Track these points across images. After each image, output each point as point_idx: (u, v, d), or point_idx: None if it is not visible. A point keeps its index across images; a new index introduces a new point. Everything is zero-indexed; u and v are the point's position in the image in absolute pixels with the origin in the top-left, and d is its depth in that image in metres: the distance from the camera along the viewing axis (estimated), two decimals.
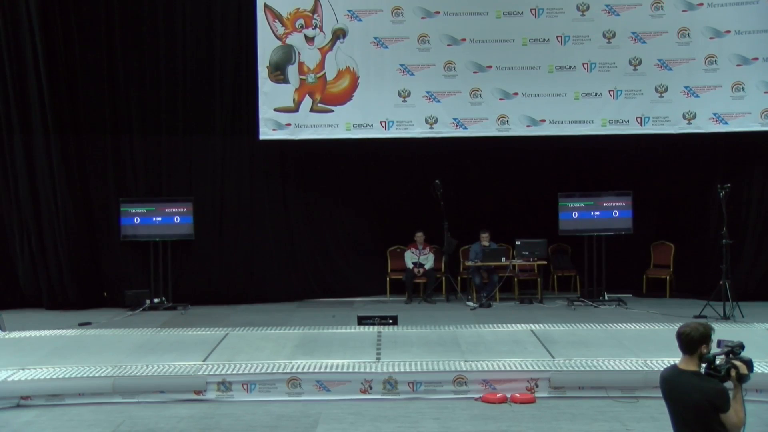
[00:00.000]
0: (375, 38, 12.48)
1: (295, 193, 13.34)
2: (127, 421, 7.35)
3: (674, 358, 8.22)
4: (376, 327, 10.02)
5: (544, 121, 12.48)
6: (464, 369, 8.11)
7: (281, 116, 12.49)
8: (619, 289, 12.72)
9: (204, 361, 8.57)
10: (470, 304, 12.48)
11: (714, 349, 4.66)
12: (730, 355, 4.58)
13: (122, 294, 12.46)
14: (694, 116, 12.32)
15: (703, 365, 4.62)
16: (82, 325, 10.99)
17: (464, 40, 12.44)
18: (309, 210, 13.46)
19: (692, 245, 12.99)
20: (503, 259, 12.67)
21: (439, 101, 12.48)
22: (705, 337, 4.64)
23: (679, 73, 12.32)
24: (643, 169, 13.19)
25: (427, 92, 12.48)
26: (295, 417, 7.43)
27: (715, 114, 12.29)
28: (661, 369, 7.81)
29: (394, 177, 13.58)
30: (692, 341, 4.64)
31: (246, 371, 8.15)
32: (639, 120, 12.42)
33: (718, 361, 4.58)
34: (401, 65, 12.47)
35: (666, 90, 12.36)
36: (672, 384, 4.68)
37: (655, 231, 13.41)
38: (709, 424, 4.51)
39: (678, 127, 12.37)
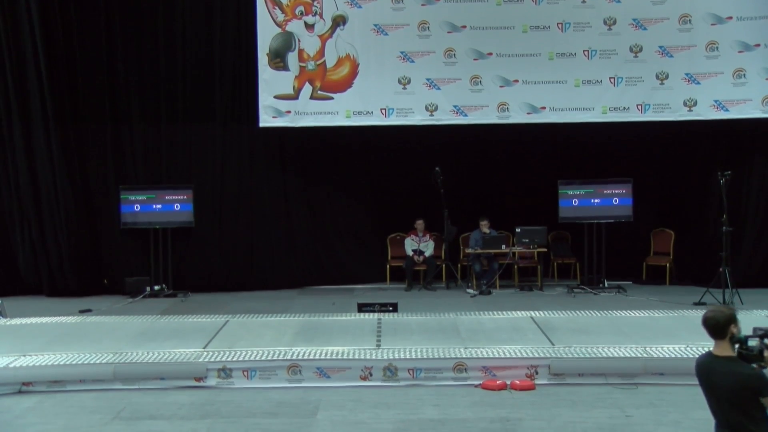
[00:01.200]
0: (375, 25, 12.43)
1: (295, 180, 13.33)
2: (128, 408, 7.37)
3: (674, 344, 8.28)
4: (376, 314, 10.01)
5: (544, 108, 12.44)
6: (464, 356, 8.11)
7: (281, 103, 12.46)
8: (619, 277, 12.72)
9: (204, 348, 8.59)
10: (470, 291, 12.49)
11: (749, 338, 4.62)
12: (765, 339, 4.55)
13: (123, 281, 12.48)
14: (695, 103, 12.29)
15: (736, 346, 4.58)
16: (82, 312, 10.99)
17: (464, 27, 12.40)
18: (309, 197, 13.46)
19: (692, 233, 12.99)
20: (503, 246, 12.67)
21: (439, 88, 12.44)
22: (731, 318, 4.60)
23: (680, 59, 12.29)
24: (644, 157, 13.17)
25: (427, 79, 12.45)
26: (295, 404, 7.44)
27: (716, 101, 12.25)
28: (660, 356, 7.87)
29: (394, 164, 13.56)
30: (719, 325, 4.60)
31: (246, 358, 8.16)
32: (639, 107, 12.39)
33: (750, 343, 4.55)
34: (401, 52, 12.43)
35: (667, 77, 12.32)
36: (707, 371, 4.64)
37: (655, 218, 13.41)
38: (747, 409, 4.47)
39: (679, 114, 12.35)
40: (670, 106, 12.35)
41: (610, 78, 12.40)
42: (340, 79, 12.52)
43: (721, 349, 4.61)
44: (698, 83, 12.27)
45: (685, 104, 12.33)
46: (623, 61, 12.37)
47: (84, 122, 12.69)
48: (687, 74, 12.28)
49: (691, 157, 12.97)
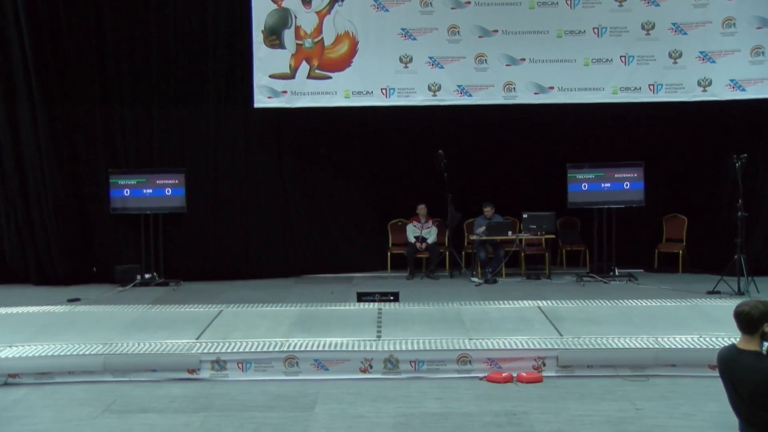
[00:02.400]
0: (375, 1, 12.39)
1: (291, 163, 13.32)
2: (119, 400, 7.38)
3: (687, 335, 8.28)
4: (376, 304, 10.00)
5: (552, 88, 12.41)
6: (468, 347, 8.11)
7: (277, 83, 12.43)
8: (630, 264, 12.75)
9: (197, 338, 8.58)
10: (475, 279, 12.49)
11: None
12: None
13: (112, 269, 12.50)
14: (710, 83, 12.25)
15: (765, 343, 4.57)
16: (71, 301, 11.01)
17: (469, 2, 12.36)
18: (306, 181, 13.46)
19: (706, 218, 12.99)
20: (509, 232, 12.67)
21: (442, 67, 12.40)
22: (765, 315, 4.60)
23: (695, 37, 12.23)
24: (656, 139, 13.15)
25: (430, 58, 12.41)
26: (292, 397, 7.45)
27: (732, 80, 12.21)
28: (672, 346, 7.88)
29: (395, 147, 13.56)
30: (752, 320, 4.58)
31: (241, 349, 8.16)
32: (651, 87, 12.35)
33: None
34: (403, 29, 12.39)
35: (680, 55, 12.27)
36: (731, 364, 4.62)
37: (667, 203, 13.42)
38: None
39: (692, 94, 12.30)
40: (683, 86, 12.31)
41: (620, 57, 12.36)
42: (338, 58, 12.48)
43: (746, 344, 4.60)
44: (713, 62, 12.22)
45: (699, 84, 12.28)
46: (635, 38, 12.32)
47: (72, 104, 12.66)
48: (701, 52, 12.24)
49: (706, 140, 12.95)
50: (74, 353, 8.18)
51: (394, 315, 9.46)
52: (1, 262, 12.74)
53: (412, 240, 13.18)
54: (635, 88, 12.36)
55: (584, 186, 12.58)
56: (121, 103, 12.80)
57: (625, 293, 10.90)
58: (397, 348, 8.13)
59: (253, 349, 8.16)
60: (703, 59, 12.25)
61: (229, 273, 12.86)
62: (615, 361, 7.95)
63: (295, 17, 12.44)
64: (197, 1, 12.78)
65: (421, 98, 12.45)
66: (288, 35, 12.45)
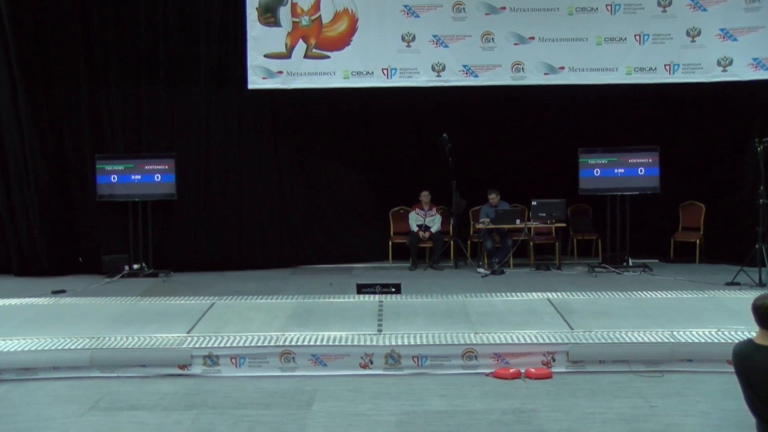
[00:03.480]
0: None
1: (288, 148, 13.32)
2: (107, 397, 7.40)
3: (704, 328, 8.29)
4: (377, 296, 10.02)
5: (563, 68, 12.36)
6: (474, 342, 8.12)
7: (272, 63, 12.39)
8: (645, 254, 12.76)
9: (189, 332, 8.60)
10: (481, 270, 12.50)
11: None
12: None
13: (99, 259, 12.50)
14: (731, 62, 12.19)
15: None
16: (55, 293, 11.01)
17: None
18: (303, 167, 13.45)
19: (725, 205, 12.97)
20: (517, 221, 12.66)
21: (447, 46, 12.36)
22: None
23: (715, 13, 12.17)
24: (672, 122, 13.12)
25: (434, 36, 12.36)
26: (288, 394, 7.46)
27: (755, 59, 12.14)
28: (689, 341, 7.88)
29: (397, 131, 13.54)
30: None
31: (235, 344, 8.18)
32: (667, 67, 12.29)
33: None
34: (405, 6, 12.34)
35: (699, 33, 12.22)
36: (747, 360, 4.61)
37: (684, 190, 13.40)
38: None
39: (711, 75, 12.25)
40: (701, 66, 12.26)
41: (635, 35, 12.31)
42: (337, 36, 12.45)
43: (765, 339, 4.58)
44: (735, 39, 12.16)
45: (719, 63, 12.23)
46: (650, 16, 12.27)
47: (56, 85, 12.62)
48: (722, 30, 12.18)
49: (725, 122, 12.90)
50: (59, 348, 8.19)
51: (396, 308, 9.48)
52: None
53: (415, 228, 13.17)
54: (650, 68, 12.31)
55: (596, 172, 12.56)
56: (108, 84, 12.75)
57: (639, 285, 10.91)
58: (399, 342, 8.14)
59: (247, 344, 8.18)
60: (724, 37, 12.19)
61: (221, 263, 12.87)
62: (628, 356, 7.96)
63: None
64: None
65: (424, 79, 12.41)
66: (284, 12, 12.41)
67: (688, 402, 7.03)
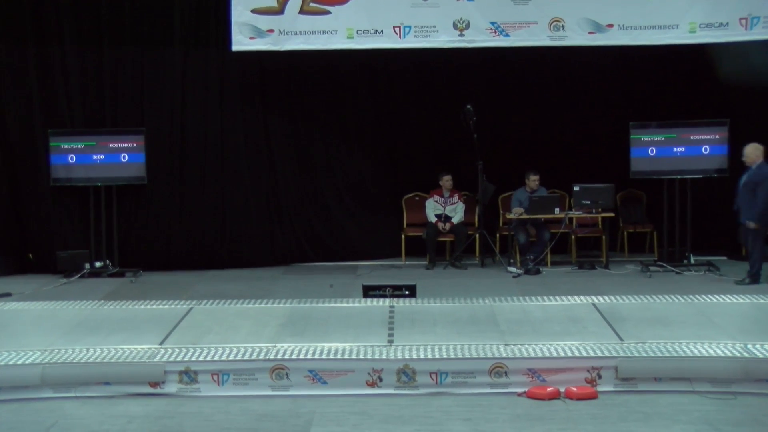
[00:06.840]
0: None
1: (280, 122, 13.35)
2: (61, 422, 7.41)
3: None
4: (387, 300, 10.04)
5: (611, 26, 12.32)
6: (504, 355, 8.13)
7: (261, 20, 12.39)
8: (710, 250, 12.76)
9: (161, 344, 8.62)
10: (512, 269, 12.51)
11: None
12: None
13: (54, 256, 12.55)
14: None
15: None
16: (0, 296, 11.07)
17: None
18: (298, 145, 13.48)
19: None
20: (557, 210, 12.67)
21: None
22: None
23: None
24: (746, 91, 13.03)
25: None
26: (281, 417, 7.48)
27: None
28: (766, 357, 7.84)
29: (411, 102, 13.54)
30: None
31: (217, 357, 8.19)
32: (743, 22, 12.20)
33: None
34: None
35: None
36: None
37: None
38: None
39: None
40: None
41: None
42: None
43: None
44: None
45: None
46: None
47: None
48: None
49: None
50: (3, 363, 8.20)
51: (410, 314, 9.49)
52: None
53: (433, 219, 13.18)
54: (721, 23, 12.22)
55: (652, 151, 12.54)
56: (62, 43, 12.77)
57: (703, 287, 10.91)
58: (414, 356, 8.15)
59: (231, 357, 8.20)
60: None
61: (200, 261, 12.94)
62: (690, 373, 7.95)
63: None
64: None
65: (444, 39, 12.39)
66: None
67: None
